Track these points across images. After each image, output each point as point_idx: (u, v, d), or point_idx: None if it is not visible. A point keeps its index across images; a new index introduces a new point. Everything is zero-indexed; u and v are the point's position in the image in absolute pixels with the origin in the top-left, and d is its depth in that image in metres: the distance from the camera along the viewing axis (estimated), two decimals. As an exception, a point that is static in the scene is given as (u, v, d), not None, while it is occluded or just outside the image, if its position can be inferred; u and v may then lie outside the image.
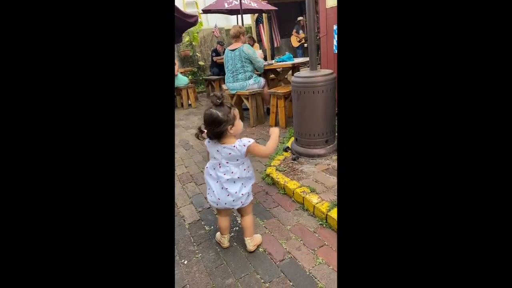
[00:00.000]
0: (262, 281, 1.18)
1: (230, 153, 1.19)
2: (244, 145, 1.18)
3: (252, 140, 1.20)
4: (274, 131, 1.32)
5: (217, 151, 1.21)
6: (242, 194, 1.25)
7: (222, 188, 1.23)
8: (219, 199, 1.25)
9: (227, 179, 1.22)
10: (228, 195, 1.23)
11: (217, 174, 1.24)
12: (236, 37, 3.17)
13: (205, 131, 1.18)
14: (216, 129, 1.14)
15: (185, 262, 1.34)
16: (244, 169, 1.25)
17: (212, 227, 1.58)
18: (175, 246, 1.46)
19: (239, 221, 1.56)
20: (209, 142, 1.24)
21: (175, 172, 2.35)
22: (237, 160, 1.21)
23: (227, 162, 1.21)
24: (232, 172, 1.22)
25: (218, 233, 1.44)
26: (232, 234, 1.50)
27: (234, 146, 1.18)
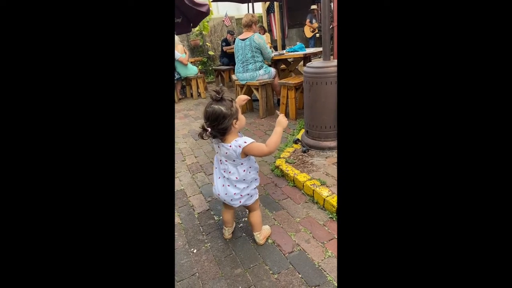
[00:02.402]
0: (271, 272, 1.18)
1: (226, 152, 1.14)
2: (239, 146, 1.10)
3: (249, 141, 1.11)
4: (281, 123, 1.18)
5: (218, 147, 1.18)
6: (241, 195, 1.21)
7: (223, 185, 1.21)
8: (218, 194, 1.24)
9: (227, 178, 1.19)
10: (226, 193, 1.21)
11: (219, 169, 1.22)
12: (248, 26, 3.11)
13: (209, 129, 1.09)
14: (221, 125, 1.07)
15: (194, 251, 1.35)
16: (244, 170, 1.17)
17: (221, 217, 1.59)
18: (185, 235, 1.47)
19: (247, 212, 1.56)
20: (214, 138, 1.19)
21: (185, 162, 2.36)
22: (234, 160, 1.15)
23: (226, 160, 1.17)
24: (230, 172, 1.17)
25: None
26: (241, 224, 1.51)
27: (230, 146, 1.12)
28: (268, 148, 1.13)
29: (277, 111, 1.82)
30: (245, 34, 3.13)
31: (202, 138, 1.12)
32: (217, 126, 1.08)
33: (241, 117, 1.15)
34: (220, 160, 1.20)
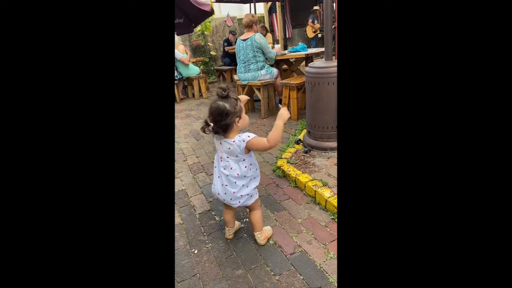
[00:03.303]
0: (272, 273, 1.18)
1: (229, 148, 1.15)
2: (243, 141, 1.12)
3: (252, 135, 1.13)
4: (282, 115, 1.17)
5: (220, 143, 1.18)
6: (241, 195, 1.21)
7: (222, 185, 1.21)
8: (218, 193, 1.24)
9: (227, 175, 1.18)
10: (225, 193, 1.21)
11: (219, 168, 1.22)
12: (249, 26, 3.10)
13: (212, 124, 1.11)
14: (223, 121, 1.09)
15: (195, 252, 1.35)
16: (245, 167, 1.18)
17: (222, 217, 1.58)
18: (186, 235, 1.47)
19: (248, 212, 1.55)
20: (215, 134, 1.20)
21: (186, 162, 2.36)
22: (237, 156, 1.16)
23: (227, 157, 1.18)
24: (231, 168, 1.17)
25: None
26: (242, 225, 1.50)
27: (233, 141, 1.13)
28: (269, 143, 1.13)
29: (279, 105, 1.78)
30: (246, 35, 3.13)
31: (204, 132, 1.13)
32: (220, 122, 1.10)
33: (245, 116, 1.16)
34: (221, 157, 1.20)
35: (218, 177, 1.23)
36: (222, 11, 7.23)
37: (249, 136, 1.12)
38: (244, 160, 1.18)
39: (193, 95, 4.82)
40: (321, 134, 2.11)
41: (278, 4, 7.01)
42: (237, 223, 1.44)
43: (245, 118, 1.16)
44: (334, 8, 3.07)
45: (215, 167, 1.25)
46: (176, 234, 1.49)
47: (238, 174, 1.18)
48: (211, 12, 4.69)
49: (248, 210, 1.55)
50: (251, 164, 1.21)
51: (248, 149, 1.15)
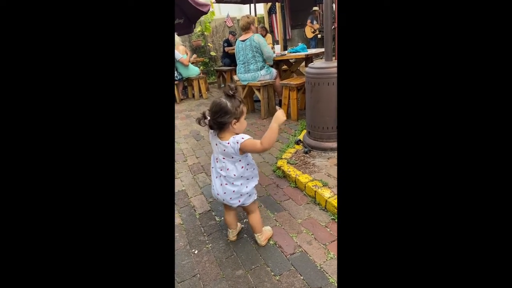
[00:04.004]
0: (273, 273, 1.18)
1: (224, 150, 1.14)
2: (237, 142, 1.10)
3: (246, 137, 1.12)
4: (278, 118, 1.13)
5: (216, 144, 1.17)
6: (241, 194, 1.20)
7: (221, 184, 1.20)
8: (218, 194, 1.23)
9: (225, 176, 1.18)
10: (225, 192, 1.20)
11: (216, 168, 1.21)
12: (247, 28, 3.10)
13: (209, 118, 1.12)
14: (219, 119, 1.09)
15: (196, 252, 1.35)
16: (242, 167, 1.17)
17: (222, 218, 1.58)
18: (186, 236, 1.47)
19: (249, 213, 1.55)
20: (211, 133, 1.19)
21: (186, 162, 2.36)
22: (232, 157, 1.15)
23: (223, 158, 1.17)
24: (227, 169, 1.17)
25: None
26: (243, 225, 1.50)
27: (228, 143, 1.12)
28: (262, 145, 1.10)
29: (277, 106, 1.76)
30: (245, 36, 3.13)
31: (199, 123, 1.15)
32: (217, 118, 1.10)
33: (243, 121, 1.16)
34: (217, 159, 1.20)
35: (216, 177, 1.23)
36: (222, 11, 7.23)
37: (243, 138, 1.11)
38: (240, 160, 1.17)
39: (193, 96, 4.82)
40: (321, 134, 2.11)
41: (278, 4, 7.02)
42: (238, 225, 1.44)
43: (242, 123, 1.16)
44: (334, 9, 3.08)
45: (212, 167, 1.25)
46: (176, 234, 1.49)
47: (235, 175, 1.17)
48: (207, 12, 4.74)
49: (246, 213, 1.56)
50: (248, 164, 1.20)
51: (242, 150, 1.14)
